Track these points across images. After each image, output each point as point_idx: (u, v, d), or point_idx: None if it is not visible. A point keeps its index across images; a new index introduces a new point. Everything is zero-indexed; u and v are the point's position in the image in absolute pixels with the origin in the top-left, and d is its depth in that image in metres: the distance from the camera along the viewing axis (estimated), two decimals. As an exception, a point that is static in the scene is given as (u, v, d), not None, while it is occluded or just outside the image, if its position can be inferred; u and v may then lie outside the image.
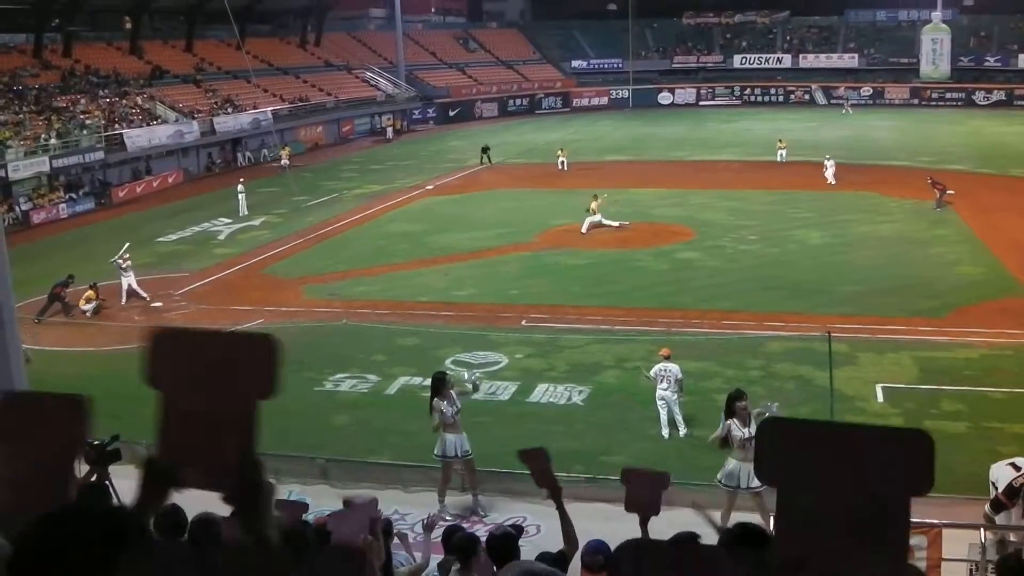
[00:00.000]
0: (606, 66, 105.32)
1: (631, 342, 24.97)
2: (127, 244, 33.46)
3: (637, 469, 5.97)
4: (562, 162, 56.14)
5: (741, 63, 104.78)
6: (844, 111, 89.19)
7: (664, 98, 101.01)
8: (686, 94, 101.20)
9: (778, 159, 55.69)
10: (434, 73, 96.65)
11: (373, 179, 56.89)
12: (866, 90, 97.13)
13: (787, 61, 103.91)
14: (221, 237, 41.96)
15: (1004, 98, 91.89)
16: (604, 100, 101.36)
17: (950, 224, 39.27)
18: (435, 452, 16.04)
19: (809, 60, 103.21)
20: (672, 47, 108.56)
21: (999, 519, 11.27)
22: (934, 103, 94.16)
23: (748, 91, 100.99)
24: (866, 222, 40.01)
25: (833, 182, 48.13)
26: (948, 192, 42.30)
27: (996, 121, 77.69)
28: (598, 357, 24.17)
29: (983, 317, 26.71)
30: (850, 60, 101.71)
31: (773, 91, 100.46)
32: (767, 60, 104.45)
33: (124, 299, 31.79)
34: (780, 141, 57.88)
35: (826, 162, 49.66)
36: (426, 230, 41.32)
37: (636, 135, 74.82)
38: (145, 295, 31.92)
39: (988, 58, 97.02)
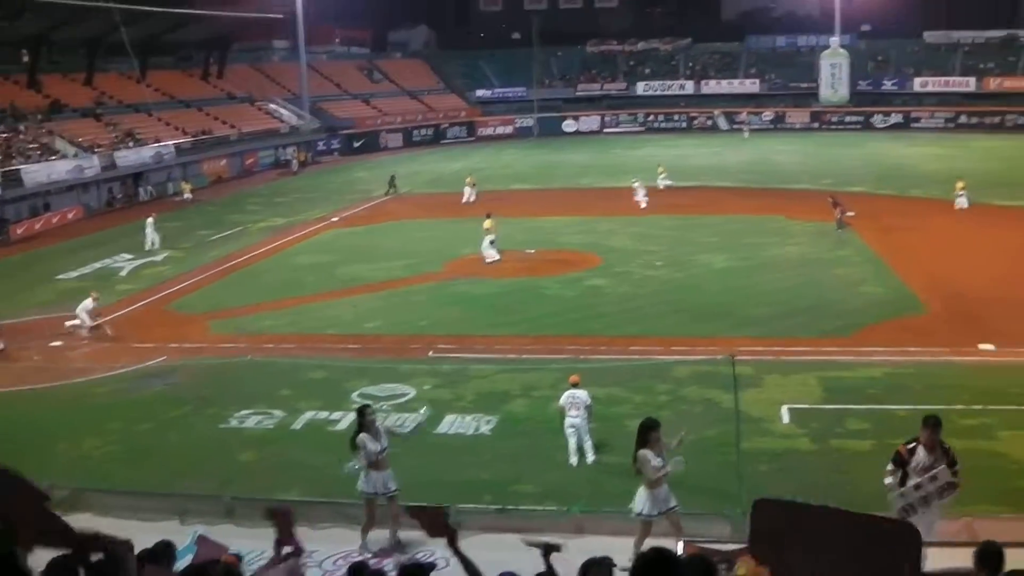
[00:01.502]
0: (511, 95, 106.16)
1: (539, 370, 24.89)
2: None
3: (419, 508, 5.94)
4: (470, 192, 55.93)
5: (644, 90, 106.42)
6: (744, 135, 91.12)
7: (569, 126, 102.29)
8: (590, 121, 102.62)
9: (660, 187, 56.09)
10: (339, 104, 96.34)
11: (279, 211, 56.28)
12: (767, 115, 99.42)
13: (689, 87, 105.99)
14: (123, 273, 41.03)
15: (901, 120, 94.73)
16: (509, 129, 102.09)
17: (853, 245, 39.88)
18: (359, 488, 15.51)
19: (711, 86, 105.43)
20: (576, 75, 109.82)
21: (888, 481, 13.41)
22: (834, 127, 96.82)
23: (651, 118, 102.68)
24: (771, 245, 40.52)
25: (644, 206, 49.24)
26: (848, 213, 43.11)
27: (894, 143, 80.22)
28: (506, 386, 24.04)
29: (887, 336, 27.05)
30: (751, 85, 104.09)
31: (676, 117, 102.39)
32: (670, 87, 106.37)
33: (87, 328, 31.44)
34: (660, 168, 58.62)
35: (635, 185, 51.08)
36: (334, 262, 40.79)
37: (542, 163, 75.47)
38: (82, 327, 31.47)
39: (886, 81, 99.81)
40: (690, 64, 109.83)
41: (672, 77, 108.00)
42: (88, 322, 31.51)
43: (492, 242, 39.14)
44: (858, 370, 24.21)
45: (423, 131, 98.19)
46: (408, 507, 6.02)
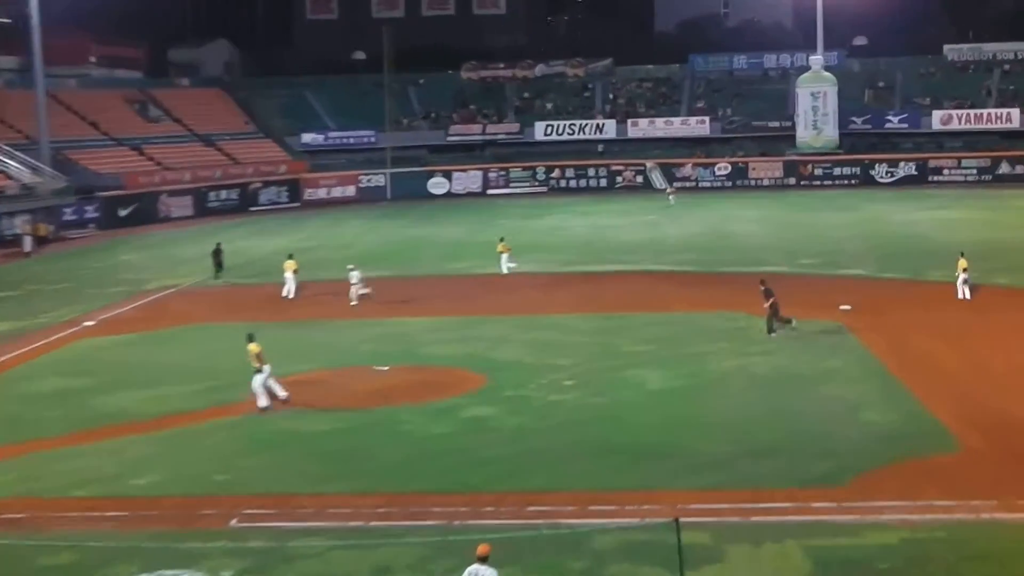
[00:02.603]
0: (353, 141, 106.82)
1: (394, 545, 24.37)
2: None
3: None
4: (291, 282, 55.78)
5: (545, 133, 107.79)
6: (669, 199, 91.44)
7: (437, 185, 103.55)
8: (468, 179, 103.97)
9: (504, 271, 57.91)
10: (96, 153, 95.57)
11: (2, 312, 55.21)
12: (722, 167, 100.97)
13: (611, 129, 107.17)
14: None
15: (914, 172, 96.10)
16: (351, 190, 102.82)
17: (849, 353, 40.14)
18: None
19: (642, 127, 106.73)
20: (447, 112, 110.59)
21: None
22: (818, 183, 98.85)
23: (556, 173, 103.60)
24: (729, 354, 40.74)
25: (355, 303, 51.31)
26: (843, 307, 43.43)
27: (904, 205, 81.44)
28: (347, 568, 23.52)
29: (902, 484, 27.03)
30: (699, 126, 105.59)
31: (592, 172, 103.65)
32: (582, 128, 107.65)
33: None
34: (501, 243, 59.87)
35: (351, 275, 52.84)
36: (88, 387, 39.84)
37: (398, 240, 75.76)
38: None
39: (891, 117, 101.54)
40: (611, 96, 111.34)
41: (585, 114, 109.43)
42: None
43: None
44: (863, 535, 24.02)
45: (223, 194, 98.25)
46: None
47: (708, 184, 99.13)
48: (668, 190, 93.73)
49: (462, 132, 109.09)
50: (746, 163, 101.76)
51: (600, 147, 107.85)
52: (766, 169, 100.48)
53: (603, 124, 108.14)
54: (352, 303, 51.83)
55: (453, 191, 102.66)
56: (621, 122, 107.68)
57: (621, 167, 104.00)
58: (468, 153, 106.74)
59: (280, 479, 29.90)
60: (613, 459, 30.25)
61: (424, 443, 32.49)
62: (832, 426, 32.19)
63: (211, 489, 29.26)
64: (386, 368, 40.41)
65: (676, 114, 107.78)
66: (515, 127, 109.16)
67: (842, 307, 45.04)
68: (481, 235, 74.62)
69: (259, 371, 36.98)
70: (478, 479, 29.13)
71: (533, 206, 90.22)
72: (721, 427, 32.51)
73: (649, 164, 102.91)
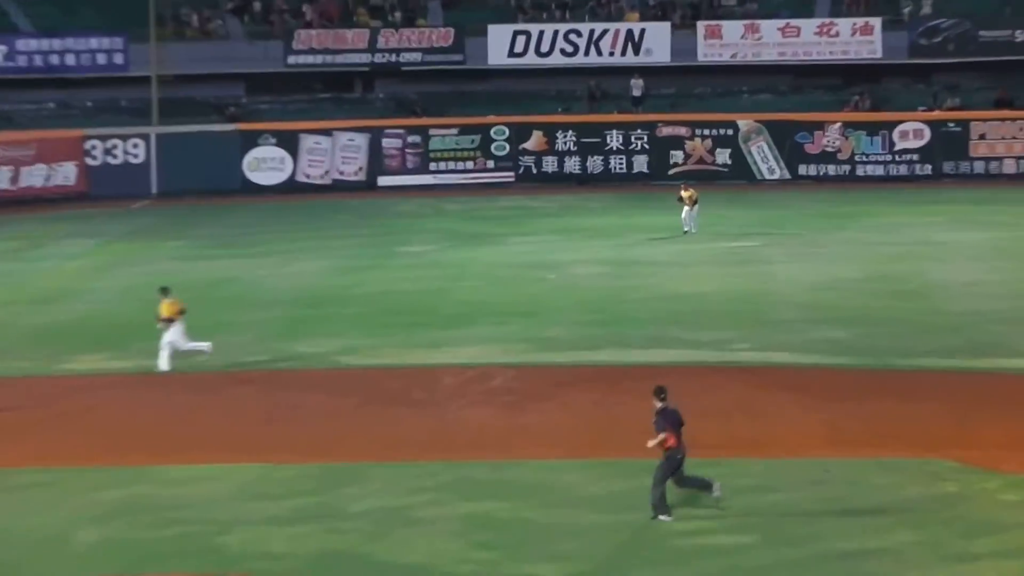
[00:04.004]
0: (72, 62, 74.03)
1: None
2: None
3: None
4: None
5: (511, 50, 76.47)
6: (682, 214, 61.64)
7: (265, 165, 71.89)
8: (337, 152, 71.98)
9: (162, 366, 40.07)
10: None
11: None
12: (908, 132, 71.45)
13: (658, 42, 74.86)
14: None
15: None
16: (65, 174, 70.93)
17: None
18: None
19: (729, 40, 74.55)
20: (291, 3, 79.22)
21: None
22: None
23: (534, 142, 73.06)
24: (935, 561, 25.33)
25: None
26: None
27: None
28: None
29: None
30: (859, 39, 75.08)
31: (613, 141, 72.46)
32: (594, 41, 74.76)
33: None
34: (165, 300, 40.67)
35: None
36: None
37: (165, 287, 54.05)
38: None
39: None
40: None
41: (600, 10, 78.71)
42: None
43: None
44: None
45: None
46: None
47: (873, 167, 69.41)
48: (683, 192, 57.67)
49: (322, 48, 72.66)
50: (964, 122, 69.39)
51: (636, 87, 71.95)
52: (1008, 138, 68.77)
53: (641, 31, 71.50)
54: None
55: (301, 179, 70.32)
56: (682, 26, 71.66)
57: (680, 131, 69.37)
58: (337, 96, 75.81)
59: None
60: None
61: None
62: None
63: None
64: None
65: (806, 11, 73.21)
66: (444, 35, 72.01)
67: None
68: (365, 278, 52.37)
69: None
70: None
71: (483, 214, 63.41)
72: None
73: (745, 125, 69.28)
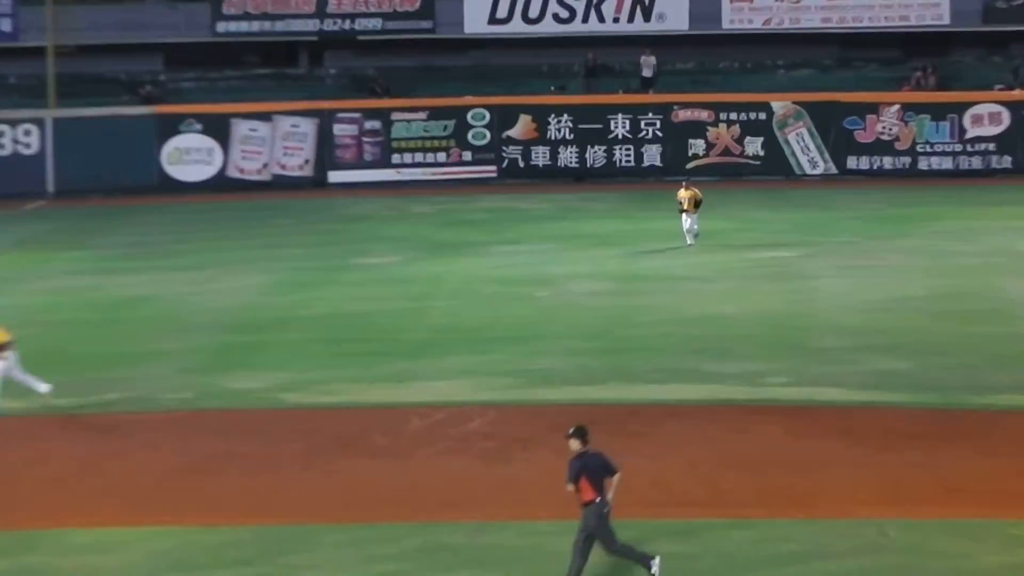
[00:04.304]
0: None
1: None
2: None
3: None
4: None
5: (492, 16, 73.27)
6: (684, 229, 58.46)
7: (189, 158, 67.27)
8: (277, 142, 67.84)
9: None
10: None
11: None
12: (987, 116, 68.60)
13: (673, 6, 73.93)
14: None
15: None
16: None
17: None
18: None
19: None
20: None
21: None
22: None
23: (520, 129, 69.53)
24: None
25: None
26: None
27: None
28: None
29: None
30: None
31: (617, 126, 69.10)
32: (594, 4, 72.93)
33: None
34: None
35: None
36: None
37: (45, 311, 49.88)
38: None
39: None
40: None
41: None
42: None
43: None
44: None
45: None
46: None
47: (938, 159, 67.20)
48: (683, 192, 53.27)
49: (259, 12, 68.78)
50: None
51: (647, 66, 69.84)
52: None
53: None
54: None
55: (233, 174, 66.92)
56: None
57: (701, 115, 67.33)
58: (278, 72, 72.59)
59: None
60: None
61: None
62: None
63: None
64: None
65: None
66: None
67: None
68: (313, 297, 49.17)
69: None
70: None
71: (458, 218, 61.39)
72: None
73: (781, 108, 66.97)
